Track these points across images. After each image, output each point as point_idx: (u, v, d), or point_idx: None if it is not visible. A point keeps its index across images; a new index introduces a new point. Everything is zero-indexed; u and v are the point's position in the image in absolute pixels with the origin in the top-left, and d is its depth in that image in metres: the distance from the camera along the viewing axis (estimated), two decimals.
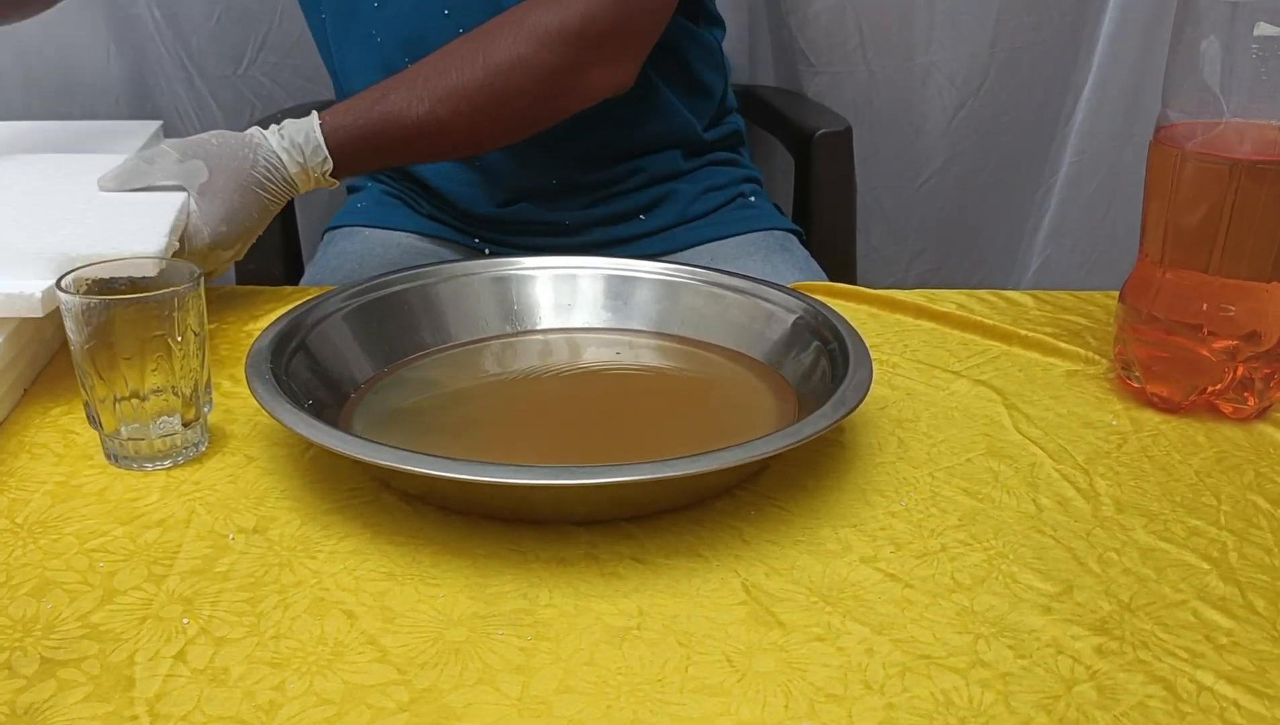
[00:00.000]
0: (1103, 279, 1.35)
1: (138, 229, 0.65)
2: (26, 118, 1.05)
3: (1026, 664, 0.43)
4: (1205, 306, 0.61)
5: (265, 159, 0.72)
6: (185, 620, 0.44)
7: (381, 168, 0.85)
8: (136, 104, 1.32)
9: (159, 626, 0.44)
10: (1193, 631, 0.45)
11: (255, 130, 0.74)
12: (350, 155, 0.76)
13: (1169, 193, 0.61)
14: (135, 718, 0.39)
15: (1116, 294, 0.67)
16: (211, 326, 0.69)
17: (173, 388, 0.55)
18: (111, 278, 0.56)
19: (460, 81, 0.77)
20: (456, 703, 0.40)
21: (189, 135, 0.75)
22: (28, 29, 1.25)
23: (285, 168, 0.73)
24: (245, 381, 0.55)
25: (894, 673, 0.42)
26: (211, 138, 0.73)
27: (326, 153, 0.74)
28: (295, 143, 0.73)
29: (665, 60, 0.93)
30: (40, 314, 0.60)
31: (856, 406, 0.53)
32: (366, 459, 0.48)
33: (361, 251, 0.94)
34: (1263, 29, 0.55)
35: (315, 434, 0.49)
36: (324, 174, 0.75)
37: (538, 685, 0.41)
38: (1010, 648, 0.44)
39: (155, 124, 1.03)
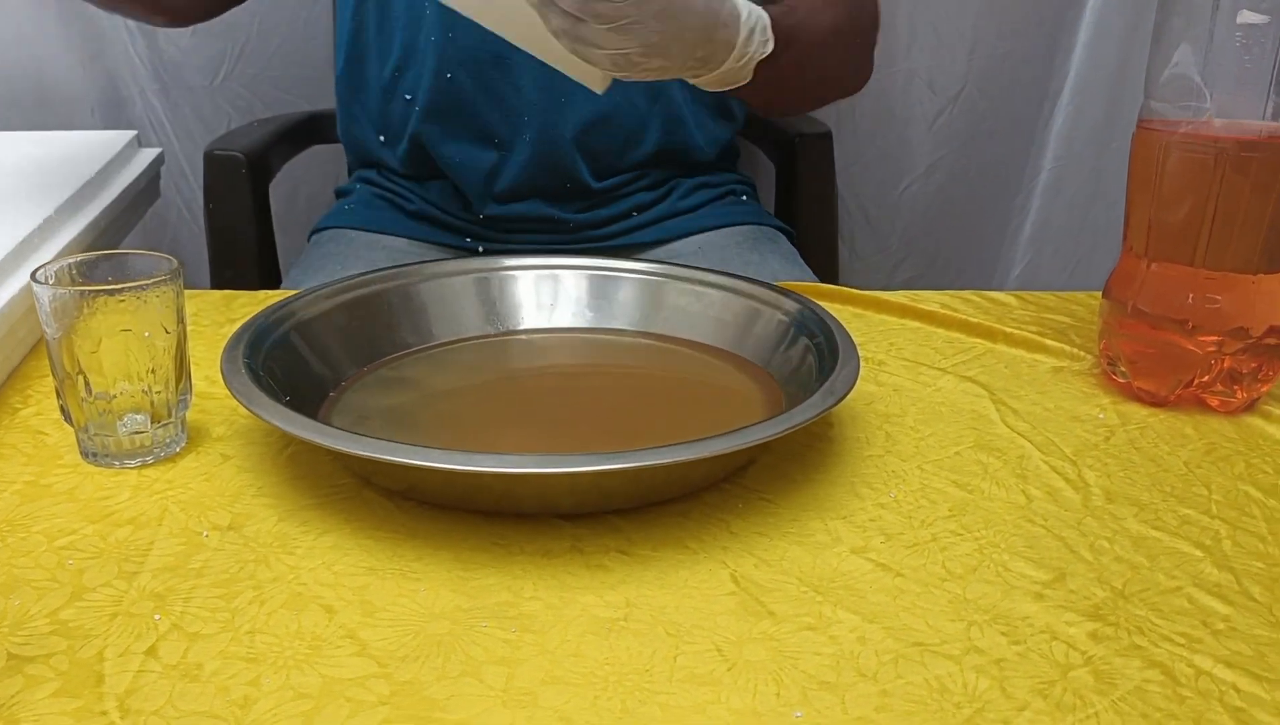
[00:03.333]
0: (1085, 281, 1.35)
1: None
2: (5, 130, 1.04)
3: (1021, 650, 0.42)
4: (1191, 299, 0.61)
5: None
6: (157, 617, 0.43)
7: (772, 87, 0.75)
8: (111, 115, 1.31)
9: (129, 623, 0.43)
10: (1188, 617, 0.44)
11: None
12: (789, 30, 0.72)
13: (1153, 184, 0.61)
14: (105, 713, 0.38)
15: (1099, 293, 0.67)
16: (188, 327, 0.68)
17: (140, 385, 0.53)
18: (97, 269, 0.55)
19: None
20: (439, 694, 0.39)
21: (160, 146, 0.71)
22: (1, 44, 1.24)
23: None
24: (221, 379, 0.53)
25: (887, 660, 0.41)
26: None
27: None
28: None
29: None
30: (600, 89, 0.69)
31: (845, 396, 0.52)
32: (346, 451, 0.47)
33: (346, 254, 0.93)
34: (1246, 16, 0.55)
35: (293, 427, 0.48)
36: (763, 38, 0.70)
37: (523, 677, 0.40)
38: (1004, 634, 0.43)
39: (130, 134, 1.02)
